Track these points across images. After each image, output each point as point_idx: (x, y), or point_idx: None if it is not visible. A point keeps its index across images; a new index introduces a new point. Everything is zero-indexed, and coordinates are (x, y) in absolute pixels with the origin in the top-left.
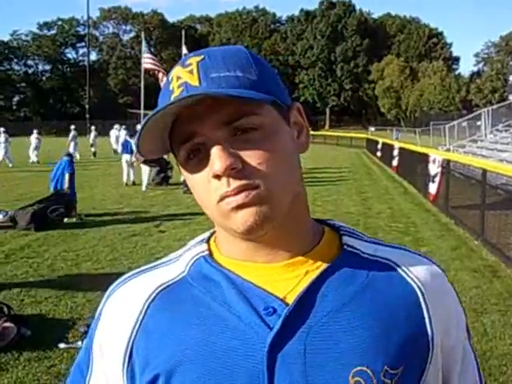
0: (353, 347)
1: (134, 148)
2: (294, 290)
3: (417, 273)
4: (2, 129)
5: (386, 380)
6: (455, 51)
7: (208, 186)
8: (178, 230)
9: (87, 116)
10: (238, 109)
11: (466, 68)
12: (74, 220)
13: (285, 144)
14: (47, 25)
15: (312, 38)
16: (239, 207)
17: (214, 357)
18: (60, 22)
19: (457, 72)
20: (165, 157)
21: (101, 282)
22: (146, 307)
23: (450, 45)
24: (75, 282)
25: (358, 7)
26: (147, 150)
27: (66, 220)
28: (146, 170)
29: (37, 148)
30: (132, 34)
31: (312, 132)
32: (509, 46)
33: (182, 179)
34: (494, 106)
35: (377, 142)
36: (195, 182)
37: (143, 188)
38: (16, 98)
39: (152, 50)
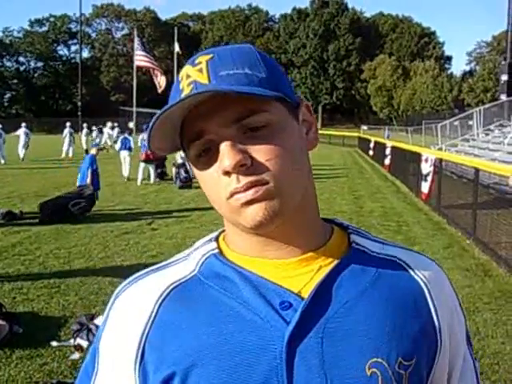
0: (368, 339)
1: (146, 145)
2: (308, 285)
3: (421, 270)
4: None
5: (401, 371)
6: (447, 50)
7: (217, 182)
8: (170, 227)
9: (79, 113)
10: (247, 106)
11: (458, 67)
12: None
13: (293, 140)
14: (39, 21)
15: (305, 36)
16: (249, 203)
17: (232, 353)
18: (52, 19)
19: (449, 71)
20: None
21: (93, 280)
22: (157, 306)
23: (442, 44)
24: (67, 279)
25: (350, 6)
26: (158, 148)
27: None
28: (141, 165)
29: (25, 145)
30: (124, 32)
31: None
32: (501, 46)
33: (174, 174)
34: (486, 106)
35: (369, 141)
36: (205, 179)
37: (138, 183)
38: (7, 95)
39: (146, 47)
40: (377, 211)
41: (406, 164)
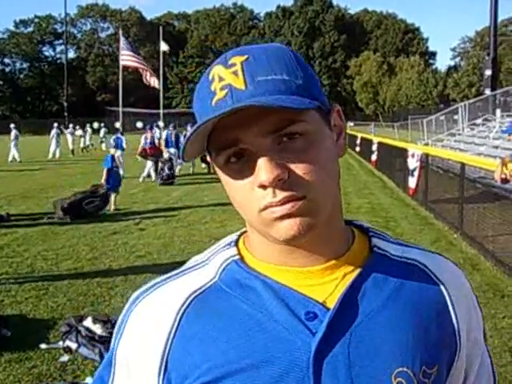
0: (393, 348)
1: (180, 153)
2: (332, 294)
3: (442, 273)
4: None
5: (425, 380)
6: (432, 46)
7: (250, 193)
8: (157, 227)
9: (65, 114)
10: (285, 116)
11: (442, 62)
12: (107, 211)
13: (328, 150)
14: (24, 22)
15: (290, 34)
16: (284, 217)
17: (259, 367)
18: (37, 20)
19: (434, 67)
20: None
21: (81, 281)
22: (179, 317)
23: (427, 40)
24: (55, 281)
25: (335, 3)
26: (190, 154)
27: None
28: (148, 163)
29: (16, 145)
30: (110, 32)
31: None
32: (484, 41)
33: (159, 170)
34: (471, 100)
35: (356, 137)
36: (235, 187)
37: (140, 179)
38: None
39: (133, 46)
40: (364, 207)
41: (392, 159)
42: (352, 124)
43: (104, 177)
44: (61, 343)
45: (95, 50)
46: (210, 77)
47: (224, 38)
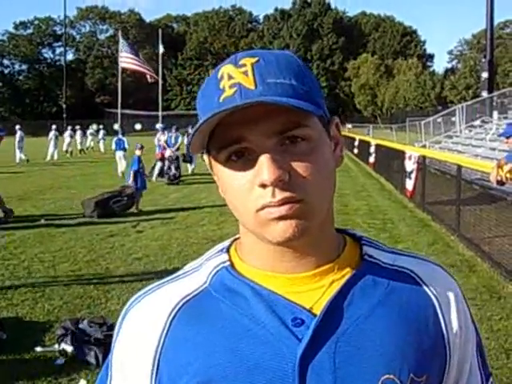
0: (380, 355)
1: (185, 147)
2: (320, 301)
3: (434, 282)
4: None
5: None
6: (429, 49)
7: (248, 192)
8: (155, 229)
9: (64, 116)
10: (291, 119)
11: (440, 65)
12: (134, 211)
13: (327, 158)
14: (23, 24)
15: (288, 36)
16: (280, 218)
17: (246, 371)
18: (37, 22)
19: (431, 69)
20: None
21: (78, 284)
22: (170, 320)
23: (424, 42)
24: (52, 283)
25: (333, 6)
26: (195, 148)
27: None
28: (158, 164)
29: (20, 148)
30: (109, 33)
31: None
32: (481, 44)
33: (166, 170)
34: (468, 102)
35: (354, 139)
36: (233, 187)
37: (153, 178)
38: None
39: (134, 48)
40: (362, 209)
41: (390, 162)
42: (350, 126)
43: (131, 178)
44: (56, 346)
45: (94, 52)
46: (219, 75)
47: (223, 41)
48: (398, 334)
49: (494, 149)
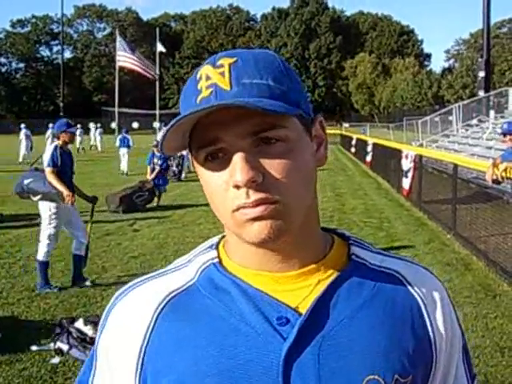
0: (365, 355)
1: (158, 146)
2: (306, 300)
3: (420, 285)
4: None
5: None
6: (426, 48)
7: (225, 193)
8: (152, 228)
9: (61, 114)
10: (266, 120)
11: (437, 64)
12: (155, 205)
13: (306, 159)
14: (21, 22)
15: (286, 35)
16: (255, 219)
17: (230, 369)
18: (34, 20)
19: (428, 68)
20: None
21: (74, 283)
22: (156, 314)
23: (421, 41)
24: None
25: (330, 5)
26: (168, 148)
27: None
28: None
29: (27, 146)
30: (106, 32)
31: None
32: (477, 43)
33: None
34: (465, 102)
35: (351, 138)
36: (211, 187)
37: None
38: None
39: (132, 46)
40: (359, 208)
41: (387, 160)
42: (347, 125)
43: (155, 174)
44: (52, 345)
45: (92, 51)
46: (198, 76)
47: (220, 39)
48: (383, 335)
49: (490, 148)
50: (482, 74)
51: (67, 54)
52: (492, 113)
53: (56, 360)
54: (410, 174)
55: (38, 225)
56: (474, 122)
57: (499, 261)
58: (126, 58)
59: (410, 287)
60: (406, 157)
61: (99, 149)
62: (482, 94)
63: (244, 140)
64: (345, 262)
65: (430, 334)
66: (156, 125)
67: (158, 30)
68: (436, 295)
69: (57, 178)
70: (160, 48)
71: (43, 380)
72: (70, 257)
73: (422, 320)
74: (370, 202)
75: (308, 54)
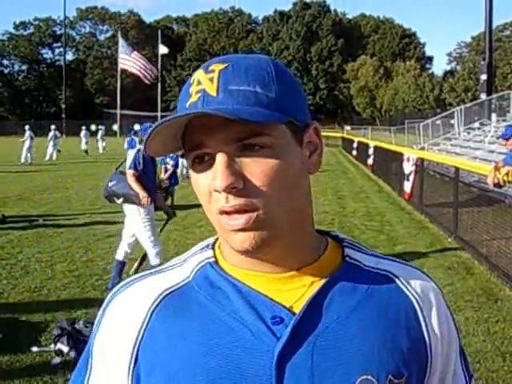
0: (358, 356)
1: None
2: (300, 300)
3: (415, 286)
4: None
5: None
6: (428, 51)
7: (210, 195)
8: None
9: (63, 116)
10: (250, 127)
11: (439, 67)
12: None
13: (292, 167)
14: (23, 24)
15: (287, 38)
16: (238, 230)
17: (222, 367)
18: (36, 22)
19: (430, 71)
20: None
21: (75, 284)
22: (150, 311)
23: (423, 45)
24: (49, 283)
25: (332, 8)
26: (153, 151)
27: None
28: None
29: (29, 148)
30: (109, 34)
31: None
32: (480, 46)
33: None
34: (467, 105)
35: (352, 141)
36: (199, 188)
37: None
38: None
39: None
40: (360, 211)
41: (388, 164)
42: (349, 128)
43: (167, 174)
44: (52, 346)
45: (94, 53)
46: (192, 80)
47: (222, 42)
48: (376, 336)
49: (492, 151)
50: (484, 77)
51: (69, 56)
52: (494, 116)
53: (56, 361)
54: (411, 178)
55: (40, 226)
56: (476, 125)
57: (501, 265)
58: (127, 62)
59: (404, 289)
60: (408, 160)
61: (100, 151)
62: (483, 97)
63: (228, 146)
64: (339, 263)
65: (425, 335)
66: None
67: (160, 32)
68: (431, 297)
69: (137, 180)
70: (162, 49)
71: (44, 381)
72: (70, 258)
73: (416, 321)
74: (371, 205)
75: (310, 57)
